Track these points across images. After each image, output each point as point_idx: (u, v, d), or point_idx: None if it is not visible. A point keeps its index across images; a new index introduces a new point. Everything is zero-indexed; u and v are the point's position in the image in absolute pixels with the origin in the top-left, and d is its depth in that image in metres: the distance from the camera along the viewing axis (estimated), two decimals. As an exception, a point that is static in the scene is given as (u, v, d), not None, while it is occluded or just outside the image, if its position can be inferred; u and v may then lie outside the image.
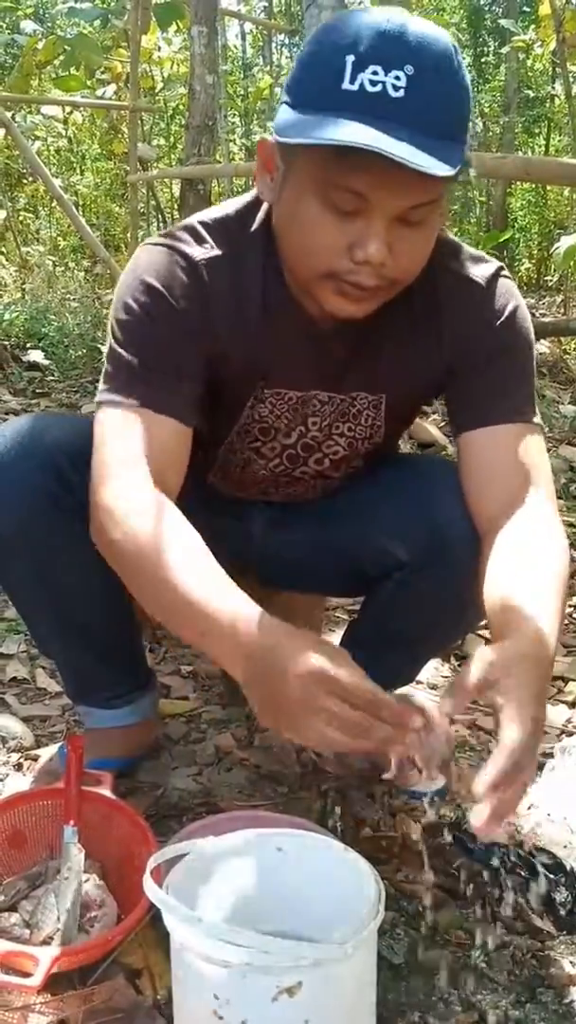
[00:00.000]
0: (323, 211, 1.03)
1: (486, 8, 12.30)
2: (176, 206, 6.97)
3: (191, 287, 1.16)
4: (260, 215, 1.20)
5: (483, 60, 12.45)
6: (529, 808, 1.37)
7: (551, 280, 10.76)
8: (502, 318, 1.22)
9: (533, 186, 11.33)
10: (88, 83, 6.50)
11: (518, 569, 1.10)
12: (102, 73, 6.70)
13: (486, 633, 2.10)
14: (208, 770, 1.52)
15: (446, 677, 1.94)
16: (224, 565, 1.47)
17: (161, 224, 7.52)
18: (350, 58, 0.96)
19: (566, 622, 2.23)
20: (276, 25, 9.55)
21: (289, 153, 1.06)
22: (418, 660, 1.53)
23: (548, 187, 10.65)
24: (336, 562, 1.43)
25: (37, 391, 4.25)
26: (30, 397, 4.16)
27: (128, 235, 6.05)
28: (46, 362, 4.55)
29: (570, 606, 2.28)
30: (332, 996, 0.87)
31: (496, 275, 1.24)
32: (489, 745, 1.67)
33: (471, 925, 1.24)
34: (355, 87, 0.96)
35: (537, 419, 1.24)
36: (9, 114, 5.08)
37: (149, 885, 0.91)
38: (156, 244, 1.19)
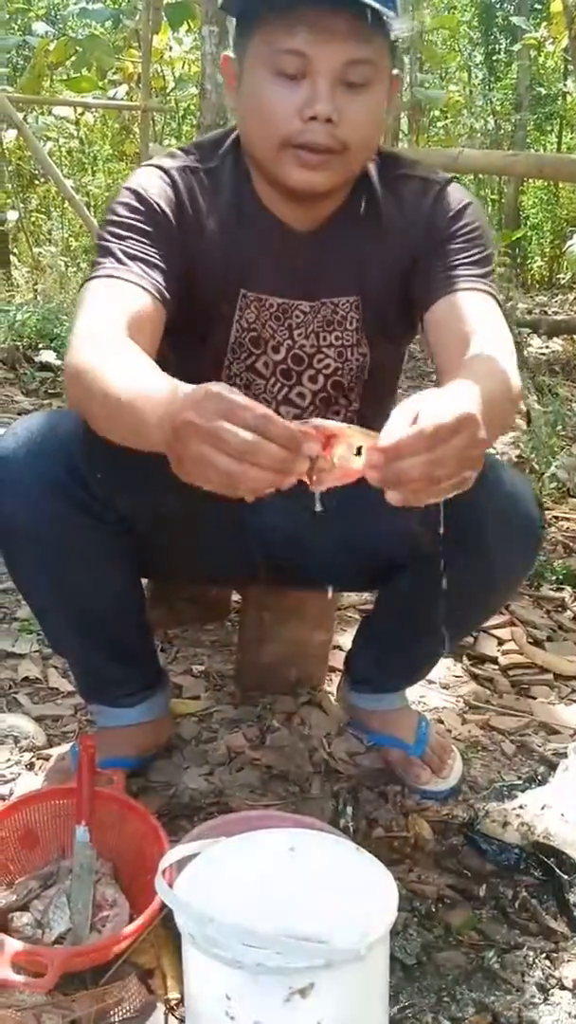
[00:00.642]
0: (272, 80, 1.14)
1: (498, 5, 12.26)
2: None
3: (166, 190, 1.27)
4: (232, 137, 1.33)
5: (495, 58, 12.42)
6: (543, 808, 1.36)
7: (564, 278, 10.74)
8: (457, 208, 1.30)
9: (545, 184, 11.32)
10: (100, 84, 6.52)
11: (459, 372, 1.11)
12: (114, 74, 6.72)
13: (499, 633, 2.09)
14: (220, 770, 1.52)
15: (458, 677, 1.93)
16: (237, 562, 1.48)
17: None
18: None
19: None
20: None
21: (241, 47, 1.19)
22: (437, 649, 1.51)
23: (560, 185, 10.63)
24: (351, 549, 1.42)
25: (49, 391, 4.26)
26: (42, 397, 4.17)
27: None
28: (58, 362, 4.55)
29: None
30: (345, 997, 0.87)
31: (452, 180, 1.35)
32: (503, 745, 1.67)
33: (484, 926, 1.24)
34: None
35: (492, 291, 1.28)
36: (21, 115, 5.09)
37: (161, 885, 0.91)
38: (141, 166, 1.32)
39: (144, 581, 1.68)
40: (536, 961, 1.18)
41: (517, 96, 11.28)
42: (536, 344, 5.32)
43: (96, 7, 6.03)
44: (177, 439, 0.90)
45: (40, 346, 4.71)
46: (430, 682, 1.88)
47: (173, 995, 1.07)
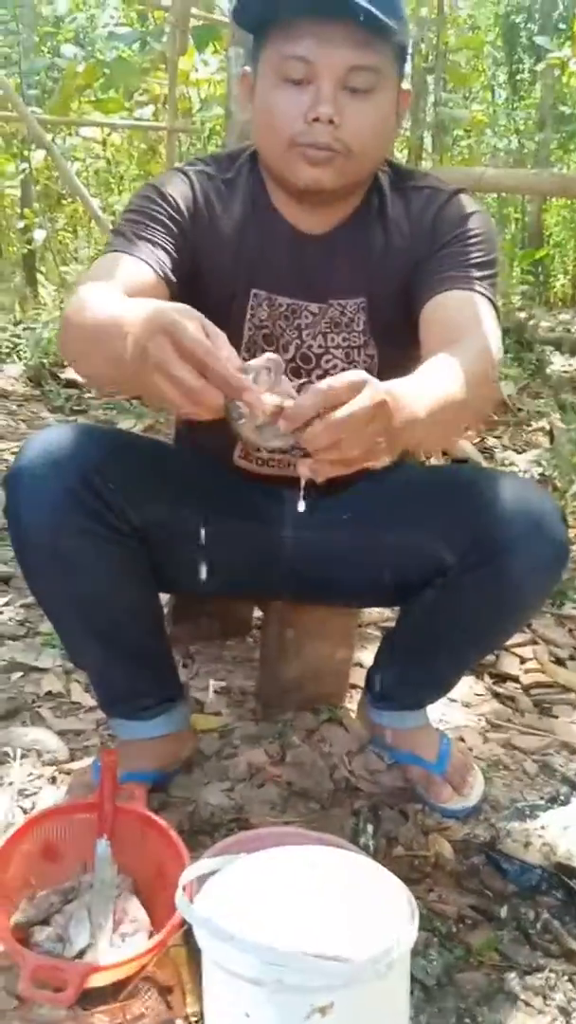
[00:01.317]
0: (280, 86, 1.22)
1: (521, 26, 12.29)
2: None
3: (183, 188, 1.35)
4: (248, 151, 1.40)
5: (518, 77, 12.45)
6: (565, 829, 1.35)
7: (587, 296, 10.70)
8: (462, 214, 1.34)
9: (568, 203, 11.30)
10: (127, 105, 6.59)
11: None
12: (140, 95, 6.79)
13: (521, 651, 2.08)
14: (240, 786, 1.52)
15: (480, 695, 1.93)
16: (258, 578, 1.49)
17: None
18: None
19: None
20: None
21: (255, 59, 1.27)
22: (462, 666, 1.51)
23: (584, 203, 10.61)
24: (373, 565, 1.43)
25: (74, 408, 4.30)
26: (67, 414, 4.21)
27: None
28: (83, 380, 4.60)
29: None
30: (364, 1016, 0.86)
31: (461, 190, 1.38)
32: (524, 764, 1.66)
33: (505, 947, 1.23)
34: None
35: (487, 294, 1.28)
36: (49, 136, 5.16)
37: (182, 901, 0.91)
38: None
39: (166, 596, 1.69)
40: (558, 983, 1.17)
41: (540, 115, 11.28)
42: (559, 362, 5.30)
43: (124, 30, 6.11)
44: (141, 360, 0.95)
45: (66, 363, 4.75)
46: (451, 700, 1.87)
47: (192, 1011, 1.07)
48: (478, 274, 1.29)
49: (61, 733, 1.65)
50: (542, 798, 1.53)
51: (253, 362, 0.95)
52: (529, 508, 1.28)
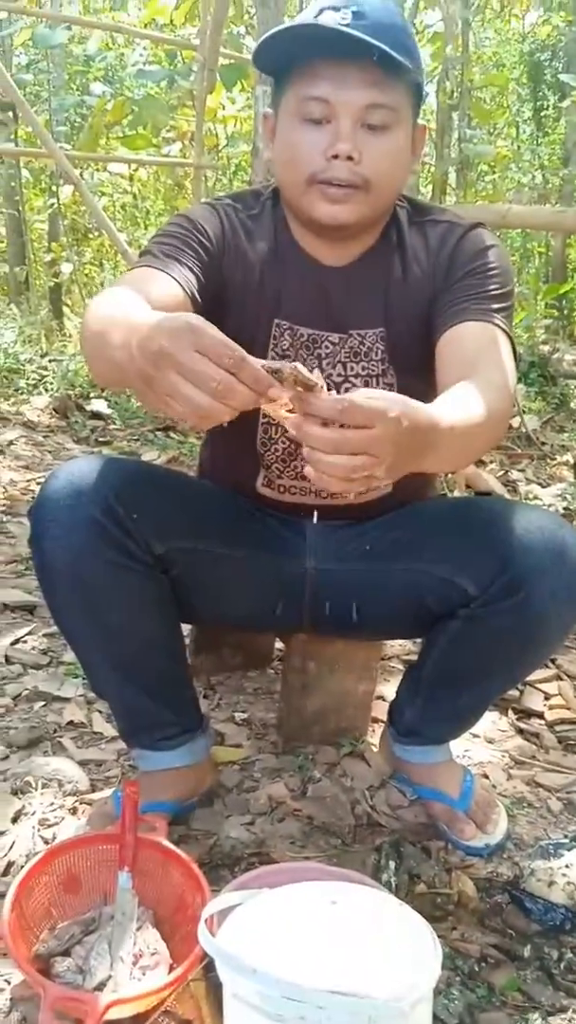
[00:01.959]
0: (300, 126, 1.27)
1: (546, 63, 12.41)
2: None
3: (212, 219, 1.40)
4: (271, 188, 1.45)
5: (543, 114, 12.55)
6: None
7: (612, 331, 10.69)
8: (479, 248, 1.37)
9: (593, 237, 11.32)
10: (154, 141, 6.70)
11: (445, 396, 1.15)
12: (168, 132, 6.91)
13: (545, 687, 2.07)
14: (261, 820, 1.52)
15: (503, 731, 1.91)
16: (280, 610, 1.49)
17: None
18: (304, 12, 1.27)
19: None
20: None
21: (277, 101, 1.31)
22: (486, 700, 1.50)
23: (608, 238, 10.63)
24: (396, 597, 1.43)
25: (99, 439, 4.34)
26: (92, 445, 4.25)
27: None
28: (108, 411, 4.65)
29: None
30: (386, 1056, 0.85)
31: (479, 224, 1.41)
32: (549, 802, 1.64)
33: (528, 987, 1.21)
34: (309, 19, 1.23)
35: (503, 326, 1.30)
36: (78, 171, 5.25)
37: (204, 935, 0.91)
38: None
39: (188, 626, 1.70)
40: (583, 1026, 1.15)
41: (565, 151, 11.37)
42: (584, 396, 5.31)
43: (152, 68, 6.23)
44: (149, 363, 0.92)
45: (92, 395, 4.81)
46: (475, 736, 1.86)
47: (212, 1048, 1.06)
48: (495, 306, 1.31)
49: (83, 763, 1.65)
50: (566, 836, 1.51)
51: (275, 363, 0.93)
52: (552, 540, 1.28)
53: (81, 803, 1.53)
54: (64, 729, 1.78)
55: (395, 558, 1.43)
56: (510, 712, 1.99)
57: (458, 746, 1.73)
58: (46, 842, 1.42)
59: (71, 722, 1.80)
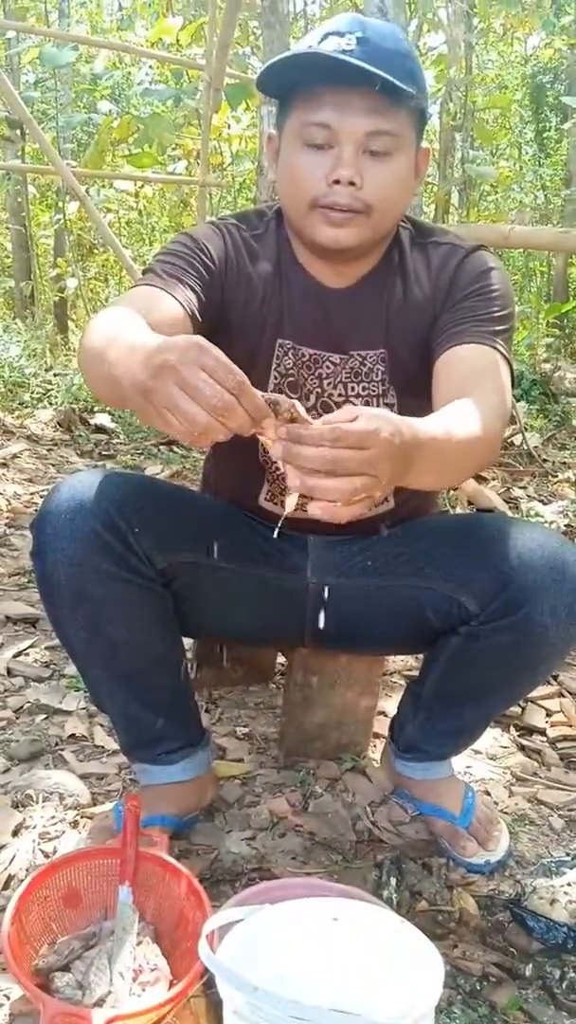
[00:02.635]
0: (303, 150, 1.28)
1: (548, 86, 12.51)
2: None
3: (216, 238, 1.41)
4: (275, 209, 1.46)
5: (545, 135, 12.64)
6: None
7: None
8: (480, 270, 1.38)
9: (595, 257, 11.37)
10: (160, 159, 6.75)
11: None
12: (173, 150, 6.96)
13: (547, 704, 2.06)
14: (262, 835, 1.51)
15: (505, 747, 1.91)
16: (281, 625, 1.49)
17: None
18: (308, 37, 1.28)
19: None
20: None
21: (281, 125, 1.32)
22: (487, 716, 1.50)
23: (610, 258, 10.68)
24: (397, 613, 1.43)
25: (103, 453, 4.35)
26: (96, 459, 4.26)
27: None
28: (112, 425, 4.67)
29: None
30: (387, 1073, 0.85)
31: (480, 246, 1.42)
32: (551, 820, 1.64)
33: (530, 1006, 1.20)
34: (313, 45, 1.24)
35: (501, 349, 1.31)
36: (84, 188, 5.28)
37: (205, 950, 0.90)
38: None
39: (189, 640, 1.69)
40: (585, 1047, 1.14)
41: (567, 172, 11.45)
42: (586, 414, 5.32)
43: (158, 87, 6.28)
44: (152, 377, 0.92)
45: (95, 409, 4.83)
46: (476, 752, 1.86)
47: (212, 1065, 1.06)
48: (495, 328, 1.32)
49: (84, 777, 1.65)
50: (568, 854, 1.50)
51: (273, 395, 0.94)
52: (553, 558, 1.28)
53: (82, 817, 1.52)
54: (65, 742, 1.78)
55: (397, 574, 1.43)
56: (512, 729, 1.98)
57: (460, 763, 1.72)
58: (47, 856, 1.41)
59: (72, 735, 1.80)
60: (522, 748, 1.92)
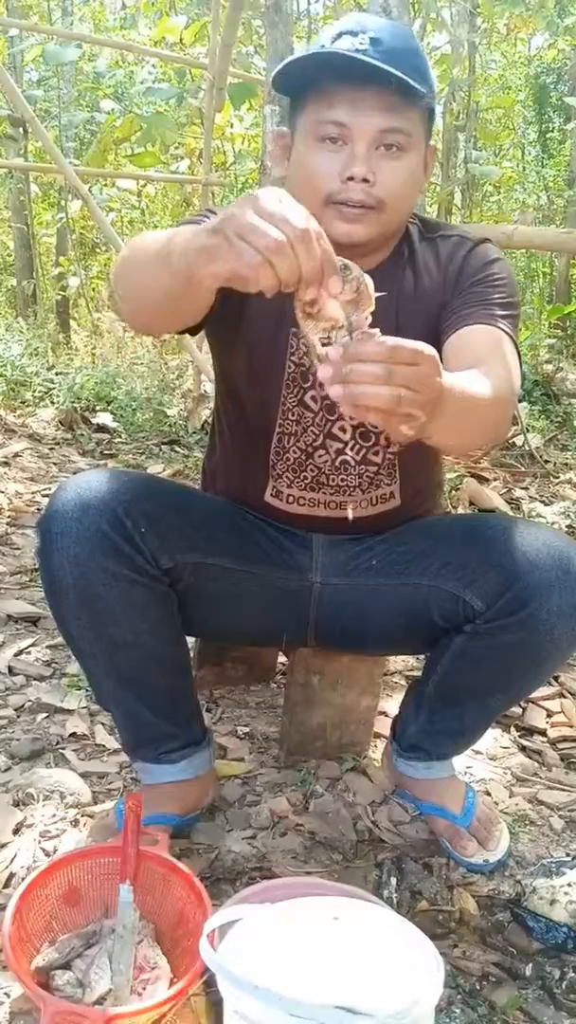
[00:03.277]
0: (317, 147, 1.28)
1: (551, 86, 12.50)
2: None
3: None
4: None
5: (548, 136, 12.63)
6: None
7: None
8: (486, 260, 1.41)
9: (597, 258, 11.35)
10: (162, 158, 6.75)
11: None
12: (176, 148, 6.96)
13: (548, 704, 2.06)
14: (263, 834, 1.51)
15: (506, 748, 1.91)
16: (285, 624, 1.49)
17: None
18: (320, 36, 1.29)
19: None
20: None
21: (293, 122, 1.33)
22: (489, 716, 1.50)
23: (613, 259, 10.66)
24: (401, 612, 1.43)
25: (105, 452, 4.35)
26: (98, 458, 4.26)
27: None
28: (114, 424, 4.67)
29: None
30: (387, 1072, 0.85)
31: (486, 239, 1.45)
32: (551, 820, 1.64)
33: (530, 1006, 1.20)
34: (327, 45, 1.25)
35: (507, 330, 1.33)
36: (86, 187, 5.28)
37: (206, 949, 0.91)
38: None
39: (192, 639, 1.69)
40: (584, 1047, 1.14)
41: (570, 173, 11.43)
42: (588, 415, 5.32)
43: (161, 86, 6.28)
44: (209, 234, 0.97)
45: (98, 408, 4.83)
46: (477, 753, 1.86)
47: (212, 1063, 1.06)
48: (501, 312, 1.34)
49: (85, 775, 1.65)
50: (569, 855, 1.51)
51: (347, 260, 0.97)
52: (558, 557, 1.28)
53: (83, 815, 1.53)
54: (67, 741, 1.78)
55: (401, 573, 1.44)
56: (512, 729, 1.98)
57: (460, 763, 1.72)
58: (47, 854, 1.41)
59: (74, 734, 1.80)
60: (523, 748, 1.92)
